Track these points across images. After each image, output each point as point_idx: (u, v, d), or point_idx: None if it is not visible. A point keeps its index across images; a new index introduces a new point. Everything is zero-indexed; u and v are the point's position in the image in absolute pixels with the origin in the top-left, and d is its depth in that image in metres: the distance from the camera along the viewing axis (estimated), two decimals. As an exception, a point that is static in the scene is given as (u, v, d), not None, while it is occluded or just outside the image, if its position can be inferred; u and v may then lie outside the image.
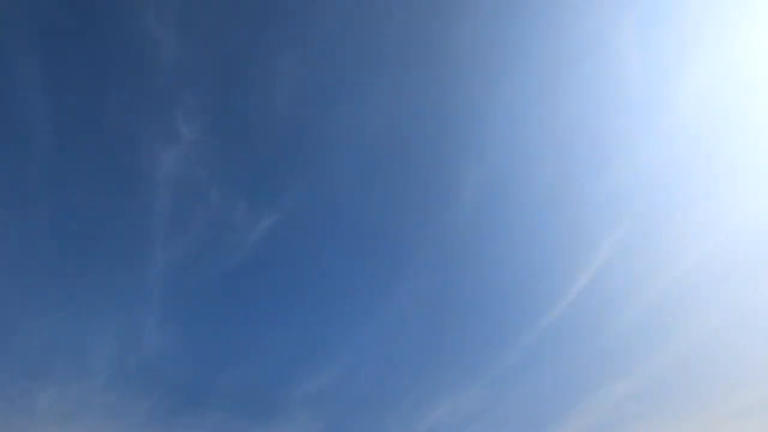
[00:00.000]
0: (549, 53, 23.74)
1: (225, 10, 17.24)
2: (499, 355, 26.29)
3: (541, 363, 26.44)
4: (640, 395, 26.43)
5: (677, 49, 24.28)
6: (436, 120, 24.02)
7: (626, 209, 26.22)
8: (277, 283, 23.62)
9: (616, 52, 23.95)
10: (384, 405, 25.35)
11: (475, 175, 24.97)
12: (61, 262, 20.20)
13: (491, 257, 26.24)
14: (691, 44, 24.34)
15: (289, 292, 23.92)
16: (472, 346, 26.41)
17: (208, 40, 17.26)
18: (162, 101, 17.13)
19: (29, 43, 15.81)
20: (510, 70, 23.68)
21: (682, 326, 26.61)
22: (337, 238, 24.03)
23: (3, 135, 16.80)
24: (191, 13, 16.60)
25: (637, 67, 24.39)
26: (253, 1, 17.83)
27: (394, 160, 24.16)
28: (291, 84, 20.38)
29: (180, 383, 22.71)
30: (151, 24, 16.15)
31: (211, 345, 23.27)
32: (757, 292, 25.90)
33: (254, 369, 23.74)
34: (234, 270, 22.21)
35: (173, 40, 16.61)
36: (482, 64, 23.61)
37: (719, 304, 26.29)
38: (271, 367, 23.94)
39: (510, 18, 23.06)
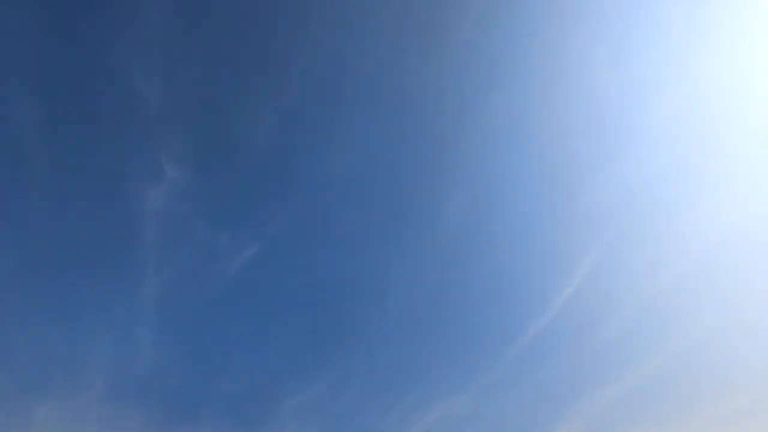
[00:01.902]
0: (528, 77, 24.71)
1: (205, 59, 18.70)
2: (489, 363, 26.93)
3: (531, 370, 27.06)
4: (629, 400, 26.86)
5: (649, 71, 25.22)
6: (419, 141, 24.98)
7: (608, 222, 26.89)
8: (265, 302, 24.86)
9: (591, 76, 24.95)
10: (374, 413, 26.02)
11: (459, 192, 25.84)
12: (60, 286, 21.61)
13: (478, 269, 27.07)
14: (662, 66, 25.29)
15: (277, 309, 25.12)
16: (462, 355, 27.16)
17: (190, 87, 18.76)
18: (148, 144, 18.67)
19: (31, 95, 17.54)
20: (491, 93, 24.65)
21: (669, 332, 27.15)
22: (323, 257, 25.18)
23: (7, 174, 18.42)
24: (173, 64, 18.13)
25: (612, 89, 25.34)
26: (231, 47, 19.28)
27: (377, 182, 25.25)
28: (272, 118, 21.65)
29: (173, 396, 23.75)
30: (137, 76, 17.71)
31: (203, 359, 24.36)
32: (742, 299, 26.55)
33: (245, 382, 24.57)
34: (222, 291, 23.49)
35: (157, 89, 18.17)
36: (464, 86, 24.59)
37: (705, 311, 26.85)
38: (262, 379, 24.78)
39: (490, 45, 24.08)
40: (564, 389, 27.28)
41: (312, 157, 23.00)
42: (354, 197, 24.42)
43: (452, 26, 23.39)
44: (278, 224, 22.60)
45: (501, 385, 26.78)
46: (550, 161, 26.48)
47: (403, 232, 26.12)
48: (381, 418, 26.04)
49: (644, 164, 26.58)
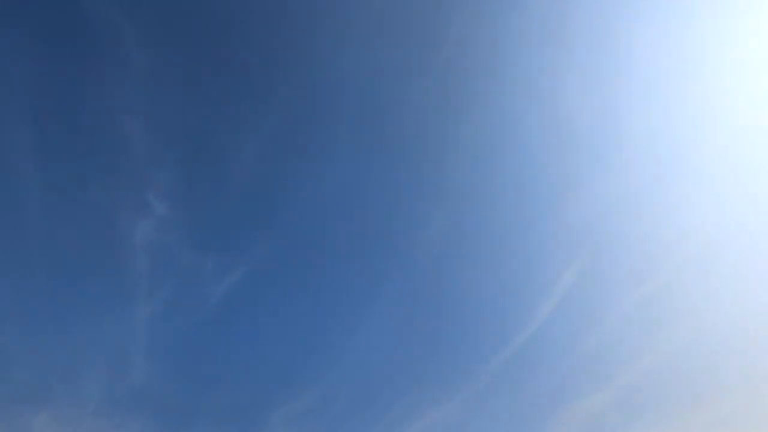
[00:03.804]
0: (504, 101, 25.75)
1: (186, 96, 19.83)
2: (477, 372, 27.60)
3: (517, 378, 27.66)
4: (615, 407, 27.27)
5: (620, 96, 26.13)
6: (400, 166, 26.11)
7: (589, 236, 27.72)
8: (252, 320, 26.04)
9: (563, 103, 25.98)
10: (363, 423, 26.73)
11: (439, 214, 26.82)
12: (59, 308, 22.94)
13: (464, 283, 27.99)
14: (634, 87, 26.19)
15: (264, 326, 26.32)
16: (449, 365, 27.88)
17: (173, 124, 20.01)
18: (135, 182, 19.92)
19: (28, 139, 18.82)
20: (469, 119, 25.78)
21: (652, 341, 27.69)
22: (306, 278, 26.34)
23: (8, 210, 19.73)
24: (156, 104, 19.32)
25: (584, 113, 26.30)
26: (211, 81, 20.32)
27: (358, 206, 26.31)
28: (253, 148, 22.94)
29: (165, 408, 24.96)
30: (123, 118, 18.85)
31: (193, 374, 25.44)
32: (719, 310, 27.23)
33: (235, 394, 25.57)
34: (210, 311, 24.76)
35: (142, 130, 19.36)
36: (442, 113, 25.66)
37: (687, 319, 27.45)
38: (252, 392, 25.77)
39: (466, 74, 25.11)
40: (549, 398, 27.94)
41: (293, 184, 24.18)
42: (335, 221, 25.60)
43: (429, 56, 24.35)
44: (261, 249, 23.90)
45: (488, 393, 27.57)
46: (530, 178, 27.53)
47: (387, 249, 27.20)
48: (369, 428, 27.01)
49: (621, 179, 27.52)
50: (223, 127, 21.84)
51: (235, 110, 22.22)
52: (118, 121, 19.12)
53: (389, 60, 24.29)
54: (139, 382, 24.30)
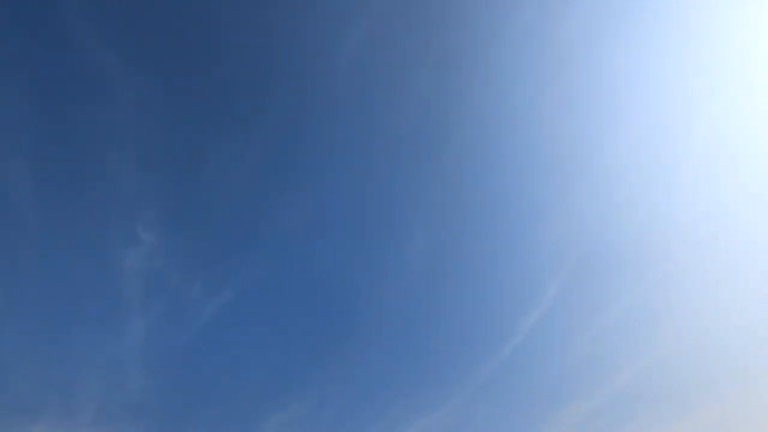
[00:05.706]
0: (489, 118, 26.57)
1: (172, 132, 20.80)
2: (466, 380, 28.31)
3: (509, 383, 28.28)
4: (603, 412, 27.89)
5: (596, 113, 26.77)
6: (386, 186, 27.05)
7: (571, 250, 28.68)
8: (242, 335, 27.15)
9: (543, 119, 26.66)
10: (357, 429, 27.84)
11: (431, 224, 27.62)
12: (55, 326, 24.01)
13: (454, 292, 28.68)
14: (610, 108, 26.91)
15: (253, 341, 27.38)
16: (441, 373, 28.57)
17: (160, 160, 20.94)
18: (124, 215, 20.98)
19: (29, 176, 19.81)
20: (453, 137, 26.64)
21: (635, 350, 28.34)
22: (293, 296, 27.37)
23: (10, 243, 20.74)
24: (144, 142, 20.27)
25: (563, 131, 26.91)
26: (195, 118, 21.27)
27: (342, 227, 27.27)
28: (238, 176, 23.88)
29: (160, 419, 25.83)
30: (113, 157, 19.77)
31: (187, 386, 26.30)
32: (710, 315, 27.85)
33: (228, 404, 26.40)
34: (199, 328, 25.85)
35: (130, 167, 20.31)
36: (425, 132, 26.52)
37: (675, 325, 28.05)
38: (244, 401, 26.59)
39: (447, 95, 25.95)
40: (542, 402, 28.60)
41: (278, 208, 25.15)
42: (319, 242, 26.61)
43: (413, 79, 25.20)
44: (247, 272, 25.00)
45: (480, 399, 28.18)
46: (521, 185, 28.21)
47: (378, 259, 27.99)
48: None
49: (600, 196, 27.92)
50: (208, 155, 22.80)
51: (219, 139, 23.11)
52: (108, 160, 20.18)
53: (376, 79, 24.99)
54: (134, 394, 25.29)
